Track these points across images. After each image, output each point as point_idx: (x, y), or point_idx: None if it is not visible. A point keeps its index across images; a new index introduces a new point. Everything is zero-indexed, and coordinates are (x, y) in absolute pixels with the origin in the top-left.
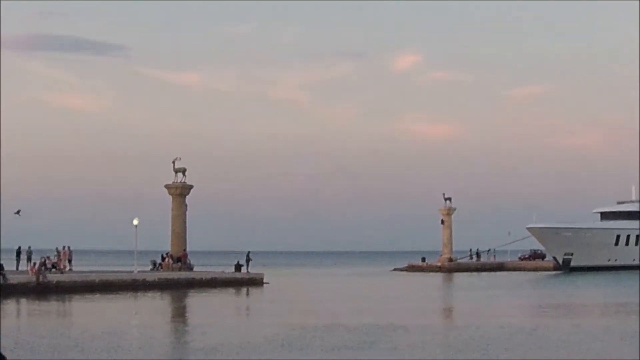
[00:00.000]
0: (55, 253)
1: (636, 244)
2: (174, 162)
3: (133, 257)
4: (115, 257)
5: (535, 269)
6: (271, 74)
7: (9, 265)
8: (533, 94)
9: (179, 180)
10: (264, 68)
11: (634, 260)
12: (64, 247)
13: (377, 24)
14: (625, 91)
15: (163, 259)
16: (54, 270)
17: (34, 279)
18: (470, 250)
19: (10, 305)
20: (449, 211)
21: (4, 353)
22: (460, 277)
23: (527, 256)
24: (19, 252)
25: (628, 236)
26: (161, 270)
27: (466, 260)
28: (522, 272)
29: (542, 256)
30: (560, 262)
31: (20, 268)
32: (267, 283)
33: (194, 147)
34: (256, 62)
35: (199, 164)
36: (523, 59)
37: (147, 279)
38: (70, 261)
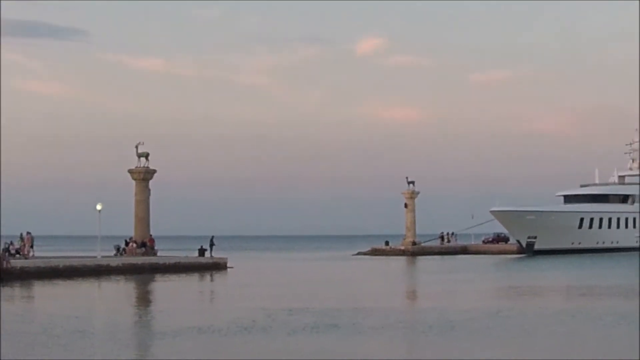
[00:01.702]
0: (19, 239)
1: (599, 227)
2: (137, 147)
3: (96, 242)
4: (78, 242)
5: (499, 252)
6: (235, 59)
7: None
8: (497, 78)
9: (142, 165)
10: (227, 53)
11: (597, 243)
12: (27, 233)
13: (340, 9)
14: (589, 75)
15: (127, 243)
16: (17, 256)
17: None
18: (442, 233)
19: None
20: (412, 194)
21: None
22: (423, 261)
23: (490, 239)
24: None
25: (591, 219)
26: (125, 255)
27: (436, 243)
28: (485, 256)
29: (506, 239)
30: (524, 245)
31: None
32: (231, 267)
33: (158, 132)
34: (220, 47)
35: (162, 149)
36: (487, 43)
37: (110, 264)
38: (32, 247)
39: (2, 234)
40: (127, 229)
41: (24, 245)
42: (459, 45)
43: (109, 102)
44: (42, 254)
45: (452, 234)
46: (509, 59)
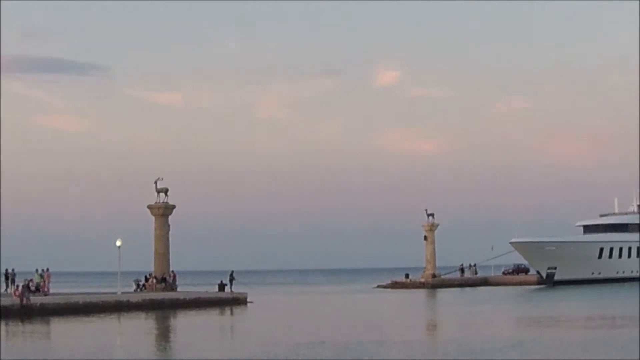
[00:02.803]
0: (39, 274)
1: (619, 256)
2: (156, 183)
3: (112, 278)
4: (97, 278)
5: (519, 284)
6: (252, 92)
7: None
8: (514, 108)
9: (161, 201)
10: (245, 87)
11: (617, 272)
12: (46, 270)
13: (357, 41)
14: (608, 104)
15: (147, 279)
16: (37, 292)
17: (17, 301)
18: (462, 265)
19: None
20: (432, 227)
21: None
22: (444, 293)
23: (510, 271)
24: (7, 275)
25: (611, 249)
26: (145, 291)
27: (456, 275)
28: (506, 287)
29: (526, 270)
30: (544, 276)
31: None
32: (251, 302)
33: (177, 167)
34: (237, 81)
35: (182, 184)
36: (503, 73)
37: (130, 300)
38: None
39: (19, 270)
40: (147, 264)
41: (44, 281)
42: (476, 75)
43: (128, 137)
44: (60, 290)
45: (474, 265)
46: (526, 87)
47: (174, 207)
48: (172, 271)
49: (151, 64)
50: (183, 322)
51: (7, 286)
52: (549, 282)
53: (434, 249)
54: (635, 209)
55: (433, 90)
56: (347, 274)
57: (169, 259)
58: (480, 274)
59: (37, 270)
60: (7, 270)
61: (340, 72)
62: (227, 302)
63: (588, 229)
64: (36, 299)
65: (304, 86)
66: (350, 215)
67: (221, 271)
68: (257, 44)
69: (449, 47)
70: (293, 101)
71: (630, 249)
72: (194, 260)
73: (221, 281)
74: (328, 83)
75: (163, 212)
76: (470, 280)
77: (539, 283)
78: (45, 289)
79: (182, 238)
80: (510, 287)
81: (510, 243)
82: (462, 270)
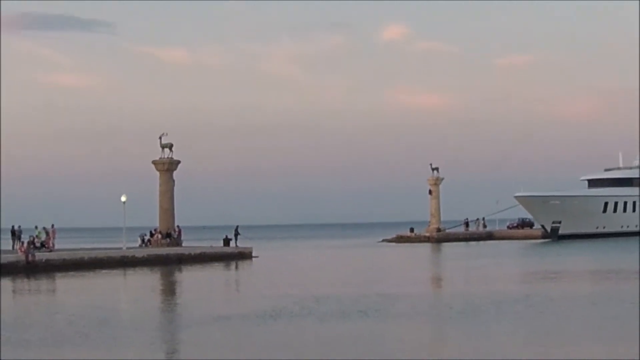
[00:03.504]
0: (43, 231)
1: (624, 211)
2: (160, 138)
3: (117, 233)
4: (102, 234)
5: (524, 238)
6: (259, 48)
7: (5, 245)
8: (521, 63)
9: (166, 156)
10: (252, 42)
11: (622, 227)
12: (51, 226)
13: None
14: (612, 59)
15: (152, 234)
16: (42, 249)
17: (23, 258)
18: (466, 219)
19: (1, 283)
20: (437, 181)
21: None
22: (449, 247)
23: (515, 225)
24: (13, 232)
25: (616, 203)
26: (150, 246)
27: (460, 229)
28: (510, 241)
29: (531, 224)
30: (549, 230)
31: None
32: (256, 257)
33: (183, 122)
34: (244, 37)
35: (187, 139)
36: (511, 28)
37: (136, 255)
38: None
39: (25, 227)
40: (152, 220)
41: (49, 238)
42: (483, 30)
43: (134, 94)
44: (66, 246)
45: (483, 219)
46: (532, 42)
47: (178, 162)
48: (177, 226)
49: (158, 20)
50: (188, 277)
51: (13, 242)
52: (553, 236)
53: (438, 203)
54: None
55: (440, 44)
56: (353, 228)
57: (173, 215)
58: (485, 228)
59: (36, 227)
60: (13, 227)
61: (347, 27)
62: (232, 256)
63: (592, 183)
64: (41, 255)
65: (311, 41)
66: (356, 170)
67: (226, 226)
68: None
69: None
70: (299, 57)
71: (635, 203)
72: (199, 216)
73: (226, 236)
74: (335, 38)
75: (168, 167)
76: (475, 234)
77: (543, 237)
78: (50, 245)
79: (187, 193)
80: (515, 242)
81: (515, 197)
82: (466, 224)
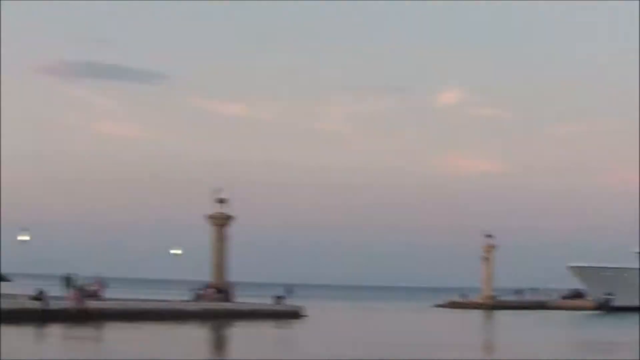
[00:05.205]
0: (93, 280)
1: None
2: (215, 192)
3: (168, 286)
4: (148, 286)
5: (576, 309)
6: (315, 106)
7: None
8: (575, 130)
9: (220, 211)
10: (308, 100)
11: None
12: (101, 275)
13: (421, 60)
14: None
15: (204, 289)
16: (93, 297)
17: (74, 305)
18: (520, 287)
19: (52, 330)
20: (491, 248)
21: None
22: (501, 315)
23: (568, 295)
24: (67, 279)
25: None
26: (202, 300)
27: (511, 296)
28: (563, 312)
29: (583, 295)
30: (601, 301)
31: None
32: (307, 316)
33: (237, 177)
34: (301, 94)
35: (242, 194)
36: (565, 95)
37: (187, 308)
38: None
39: (73, 274)
40: (201, 273)
41: (100, 286)
42: (537, 97)
43: (187, 146)
44: (115, 296)
45: (538, 289)
46: (586, 110)
47: (233, 217)
48: (230, 282)
49: (213, 73)
50: (238, 334)
51: (66, 289)
52: (606, 308)
53: (491, 270)
54: None
55: (494, 110)
56: (400, 291)
57: (226, 270)
58: (537, 297)
59: (94, 277)
60: (67, 274)
61: (403, 90)
62: (284, 315)
63: None
64: (93, 304)
65: (367, 102)
66: (408, 233)
67: (279, 284)
68: (323, 58)
69: (511, 68)
70: (355, 117)
71: None
72: (252, 272)
73: (278, 294)
74: (391, 100)
75: (221, 222)
76: (527, 303)
77: (596, 308)
78: (101, 294)
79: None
80: (567, 312)
81: (568, 267)
82: (519, 292)
